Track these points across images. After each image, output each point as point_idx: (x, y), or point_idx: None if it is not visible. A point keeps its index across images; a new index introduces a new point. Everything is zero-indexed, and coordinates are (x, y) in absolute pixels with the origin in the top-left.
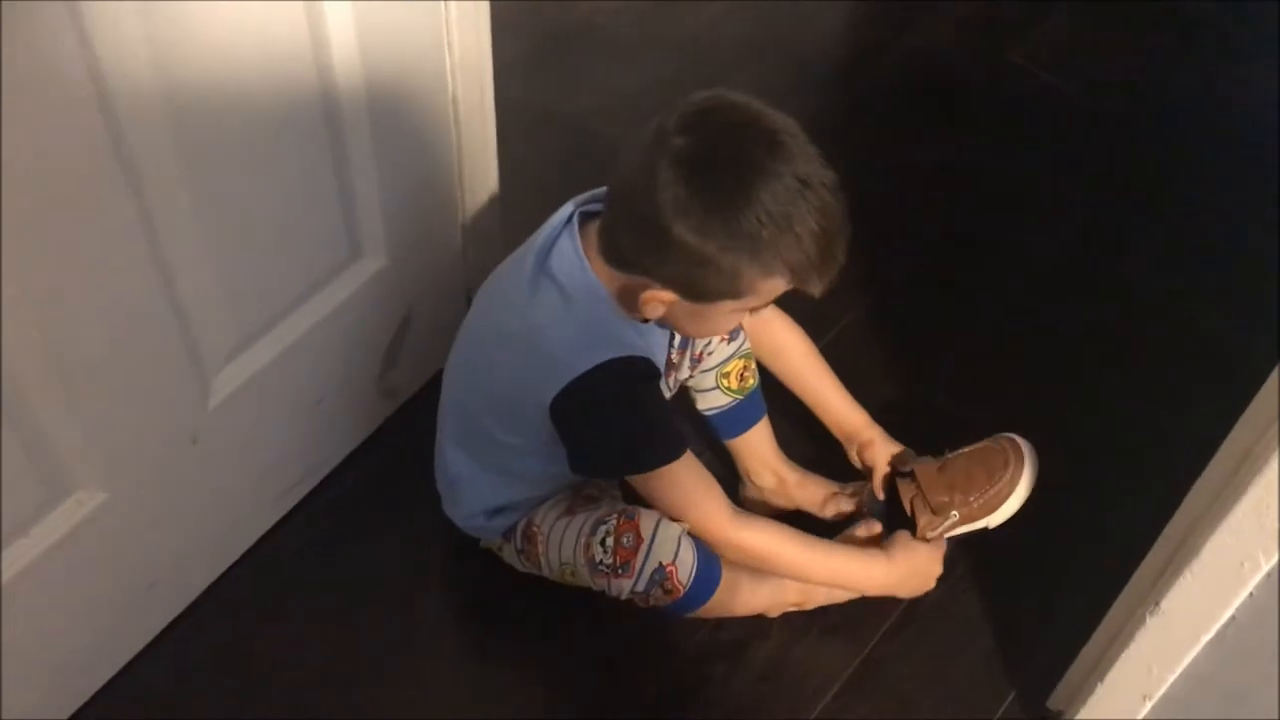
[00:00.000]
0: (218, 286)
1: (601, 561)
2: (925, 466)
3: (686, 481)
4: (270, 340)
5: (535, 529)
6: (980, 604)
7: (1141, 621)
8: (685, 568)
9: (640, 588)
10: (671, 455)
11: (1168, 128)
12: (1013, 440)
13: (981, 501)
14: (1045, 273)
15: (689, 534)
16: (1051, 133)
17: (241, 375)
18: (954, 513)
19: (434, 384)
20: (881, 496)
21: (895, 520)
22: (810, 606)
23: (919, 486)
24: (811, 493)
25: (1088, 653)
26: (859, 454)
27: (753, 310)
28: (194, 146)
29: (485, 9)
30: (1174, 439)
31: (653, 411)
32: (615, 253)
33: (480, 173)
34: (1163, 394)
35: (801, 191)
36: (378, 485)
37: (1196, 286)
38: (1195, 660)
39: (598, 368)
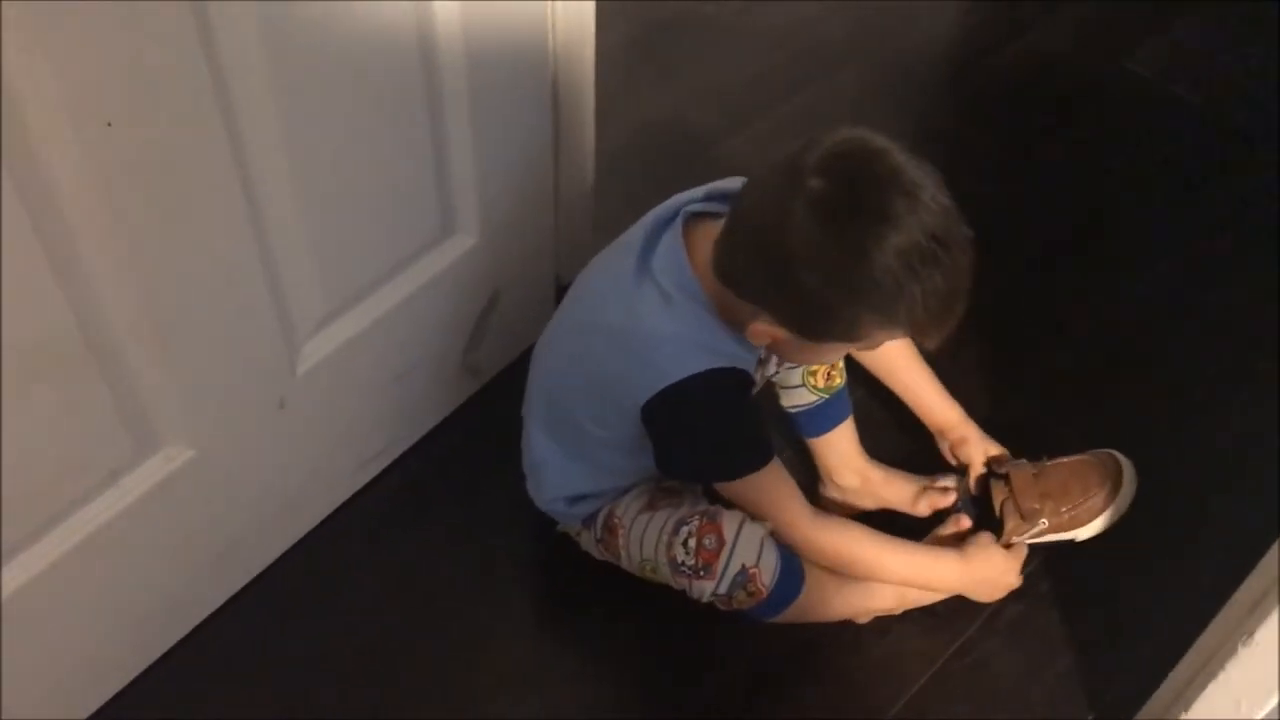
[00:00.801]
0: (311, 253)
1: (683, 563)
2: (1021, 471)
3: (771, 488)
4: (360, 311)
5: (616, 520)
6: (1062, 622)
7: (1233, 651)
8: (769, 570)
9: (723, 590)
10: (757, 464)
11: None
12: (1113, 456)
13: (1073, 514)
14: (1153, 291)
15: (772, 536)
16: (1169, 145)
17: (330, 344)
18: (1043, 520)
19: (518, 364)
20: (974, 493)
21: (984, 520)
22: (900, 611)
23: (1012, 490)
24: (899, 489)
25: (1173, 680)
26: (953, 450)
27: (862, 350)
28: (295, 107)
29: None
30: (1273, 465)
31: (743, 422)
32: (732, 278)
33: (577, 157)
34: (1262, 421)
35: (934, 251)
36: (457, 461)
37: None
38: None
39: (693, 377)
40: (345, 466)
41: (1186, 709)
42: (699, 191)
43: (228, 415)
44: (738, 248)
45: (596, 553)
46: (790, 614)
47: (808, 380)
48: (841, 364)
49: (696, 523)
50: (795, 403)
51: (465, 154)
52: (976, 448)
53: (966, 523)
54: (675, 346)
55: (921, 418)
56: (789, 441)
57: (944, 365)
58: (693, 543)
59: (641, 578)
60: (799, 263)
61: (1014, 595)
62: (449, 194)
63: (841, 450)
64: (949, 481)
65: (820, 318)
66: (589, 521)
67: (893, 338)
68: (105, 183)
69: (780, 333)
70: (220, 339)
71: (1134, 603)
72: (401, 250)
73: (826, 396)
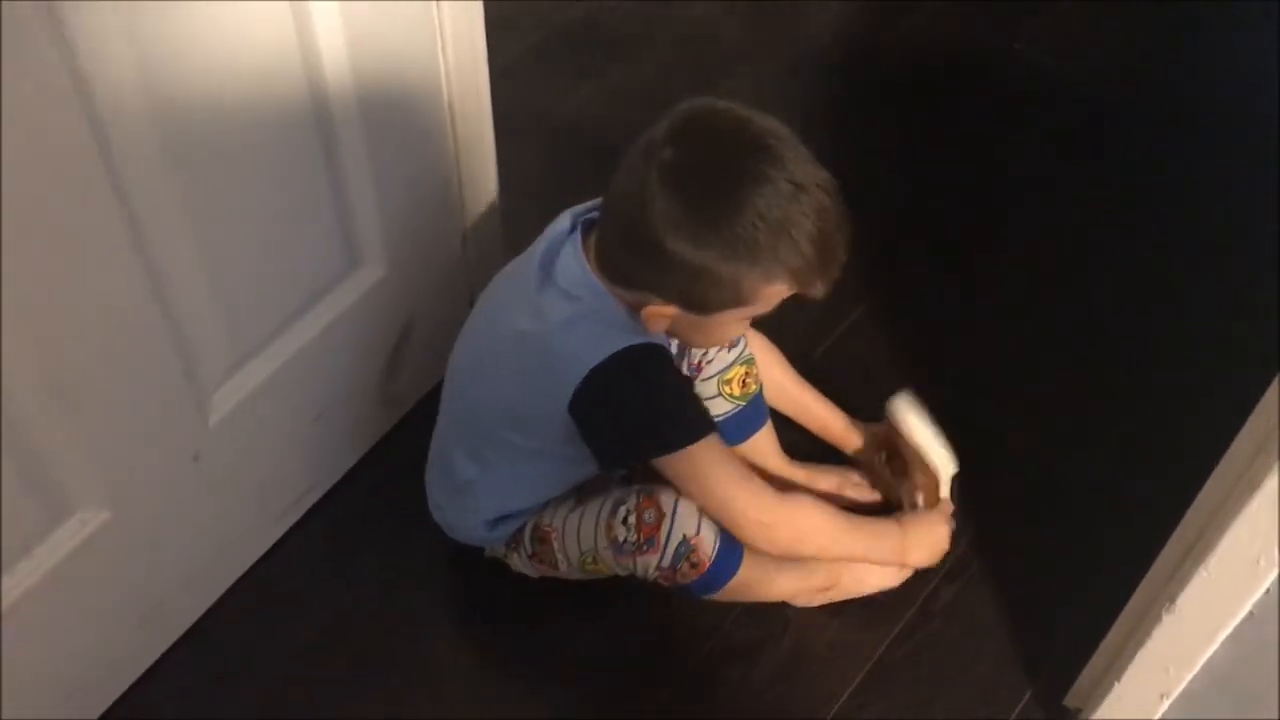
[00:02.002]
0: (213, 301)
1: (625, 540)
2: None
3: (723, 463)
4: (269, 355)
5: (547, 528)
6: (994, 602)
7: (1158, 619)
8: (709, 541)
9: (666, 563)
10: (697, 434)
11: (1173, 112)
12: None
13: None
14: (1053, 265)
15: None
16: (1057, 122)
17: (241, 391)
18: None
19: (436, 392)
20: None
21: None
22: (839, 596)
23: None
24: (824, 483)
25: (1104, 650)
26: (854, 458)
27: (757, 316)
28: (182, 157)
29: (479, 9)
30: (1188, 434)
31: (673, 392)
32: (614, 270)
33: (479, 176)
34: (1175, 388)
35: (795, 194)
36: (384, 495)
37: (1207, 277)
38: (1213, 658)
39: (614, 355)
40: (268, 513)
41: (1119, 677)
42: (592, 203)
43: (141, 474)
44: (613, 238)
45: (531, 571)
46: (731, 589)
47: (723, 389)
48: (756, 371)
49: (635, 499)
50: (713, 413)
51: (364, 185)
52: (869, 448)
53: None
54: (588, 334)
55: (814, 431)
56: None
57: (853, 356)
58: (633, 519)
59: (582, 577)
60: (667, 234)
61: (947, 578)
62: (351, 228)
63: (763, 456)
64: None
65: (702, 285)
66: (515, 541)
67: (781, 294)
68: None
69: (671, 310)
70: (126, 397)
71: (1063, 576)
72: (307, 290)
73: (743, 405)
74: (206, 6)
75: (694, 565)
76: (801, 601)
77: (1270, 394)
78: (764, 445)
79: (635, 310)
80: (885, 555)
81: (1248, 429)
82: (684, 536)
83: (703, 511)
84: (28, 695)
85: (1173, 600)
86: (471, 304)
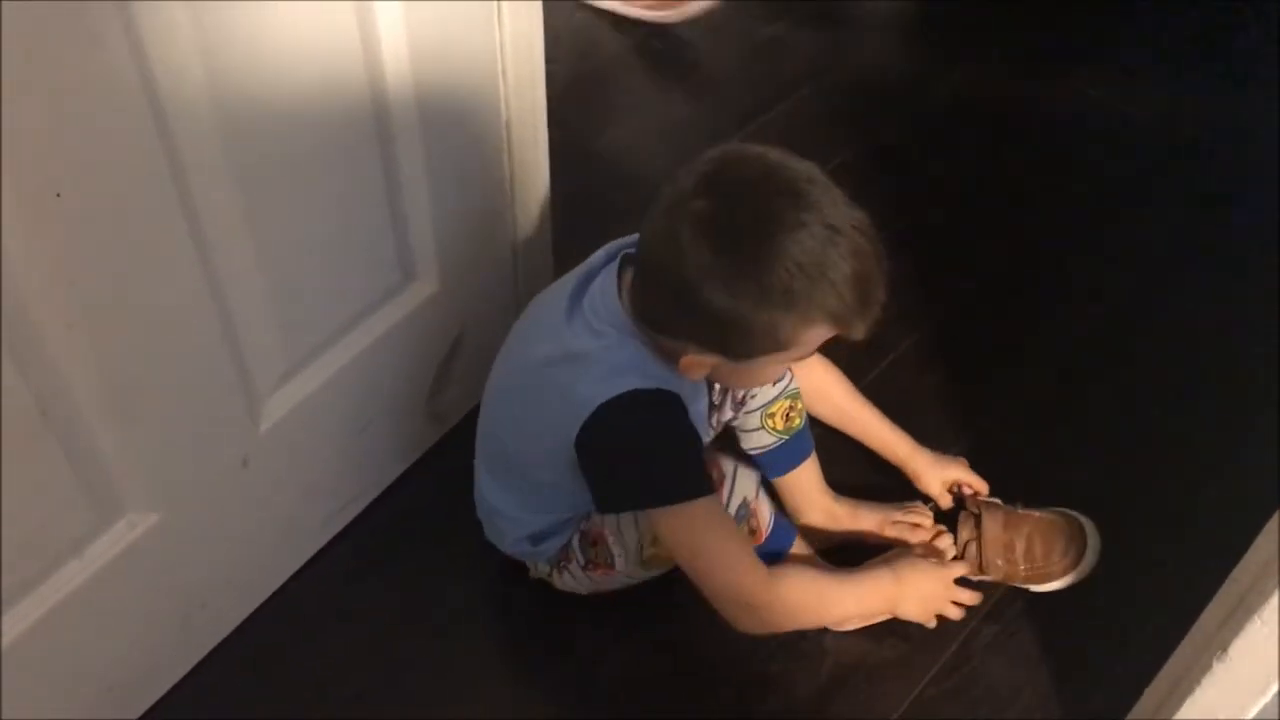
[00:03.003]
0: (270, 311)
1: None
2: (992, 516)
3: (717, 527)
4: (321, 365)
5: (598, 529)
6: (1036, 644)
7: (1208, 668)
8: (766, 509)
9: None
10: (696, 491)
11: (1236, 155)
12: (1079, 523)
13: (1030, 573)
14: (1106, 306)
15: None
16: (1116, 162)
17: (292, 400)
18: (1000, 574)
19: None
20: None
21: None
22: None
23: (979, 535)
24: (867, 522)
25: (1150, 697)
26: (915, 484)
27: (797, 359)
28: (245, 162)
29: (539, 34)
30: (1245, 478)
31: (677, 443)
32: (652, 318)
33: (532, 196)
34: (1230, 430)
35: (830, 238)
36: (426, 508)
37: (1263, 323)
38: (1264, 709)
39: (620, 396)
40: (312, 521)
41: None
42: (632, 238)
43: (191, 478)
44: (647, 287)
45: (582, 585)
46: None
47: (766, 423)
48: (800, 404)
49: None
50: (755, 445)
51: (421, 203)
52: (932, 479)
53: (946, 540)
54: (606, 370)
55: (877, 453)
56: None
57: (906, 390)
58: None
59: (639, 574)
60: (703, 286)
61: (989, 617)
62: (407, 243)
63: (805, 489)
64: (919, 517)
65: (740, 334)
66: (563, 557)
67: (822, 337)
68: (56, 253)
69: (710, 360)
70: (180, 402)
71: (1108, 619)
72: (361, 302)
73: (786, 438)
74: (275, 10)
75: (752, 530)
76: (846, 626)
77: None
78: (807, 479)
79: (672, 356)
80: (877, 608)
81: None
82: (744, 499)
83: (759, 481)
84: (70, 694)
85: (1224, 649)
86: None
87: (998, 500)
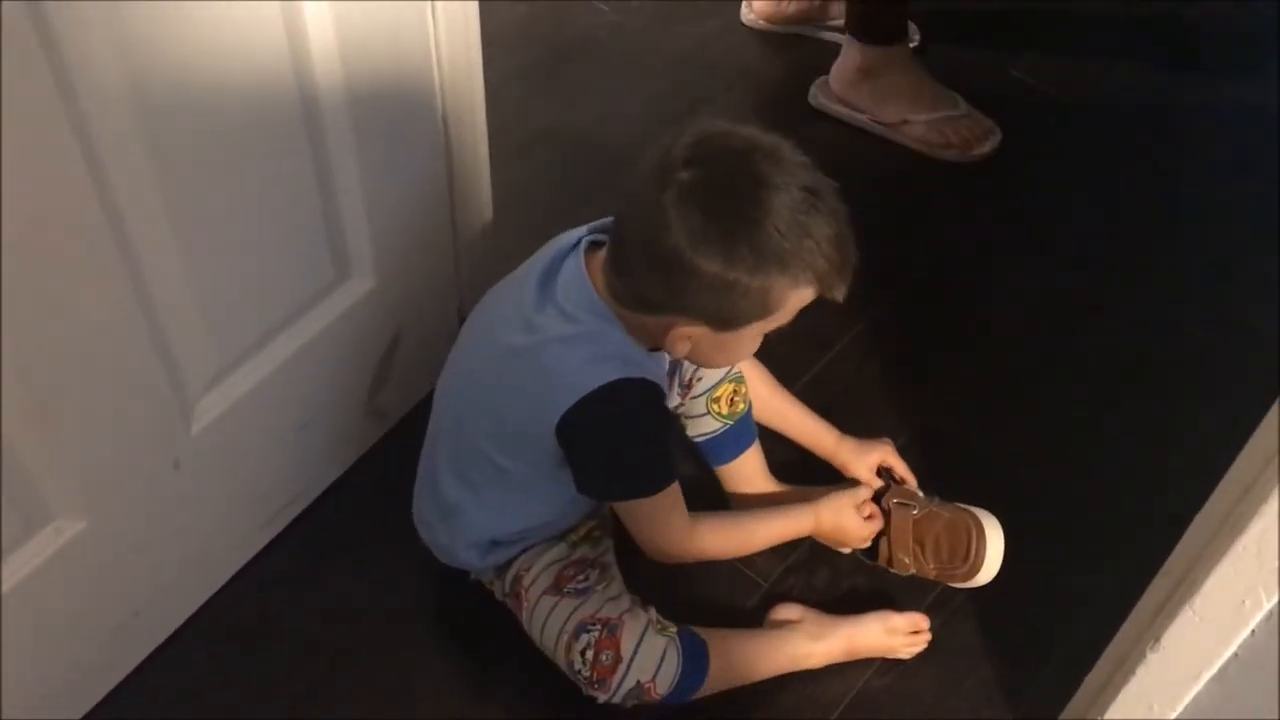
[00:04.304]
0: (199, 309)
1: (579, 670)
2: (902, 515)
3: (667, 510)
4: (255, 363)
5: (522, 589)
6: (979, 635)
7: (1142, 657)
8: (666, 680)
9: (616, 700)
10: (663, 484)
11: (1171, 143)
12: (982, 528)
13: (940, 573)
14: (1047, 295)
15: (675, 644)
16: (1053, 149)
17: (225, 400)
18: (909, 570)
19: (424, 405)
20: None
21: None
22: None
23: (888, 532)
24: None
25: (1088, 686)
26: (843, 473)
27: (778, 327)
28: (168, 161)
29: (475, 22)
30: (1178, 470)
31: (657, 437)
32: (636, 297)
33: (473, 190)
34: (1166, 423)
35: (812, 201)
36: (366, 509)
37: (1200, 312)
38: (1197, 698)
39: (607, 386)
40: (249, 523)
41: (1102, 714)
42: (595, 224)
43: (120, 482)
44: (632, 265)
45: (508, 604)
46: (710, 690)
47: (711, 408)
48: (745, 389)
49: (597, 633)
50: (700, 431)
51: (356, 200)
52: (859, 465)
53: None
54: (586, 357)
55: (801, 445)
56: (700, 468)
57: (848, 383)
58: (590, 655)
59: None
60: (695, 254)
61: (932, 608)
62: (342, 240)
63: (750, 476)
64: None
65: (732, 300)
66: (501, 571)
67: (804, 301)
68: None
69: (698, 331)
70: (107, 405)
71: (1048, 613)
72: (295, 299)
73: (730, 424)
74: (195, 7)
75: (643, 701)
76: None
77: (1258, 435)
78: (751, 465)
79: (655, 334)
80: (802, 531)
81: (1235, 469)
82: (638, 682)
83: (666, 649)
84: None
85: (1158, 639)
86: (460, 318)
87: (917, 494)
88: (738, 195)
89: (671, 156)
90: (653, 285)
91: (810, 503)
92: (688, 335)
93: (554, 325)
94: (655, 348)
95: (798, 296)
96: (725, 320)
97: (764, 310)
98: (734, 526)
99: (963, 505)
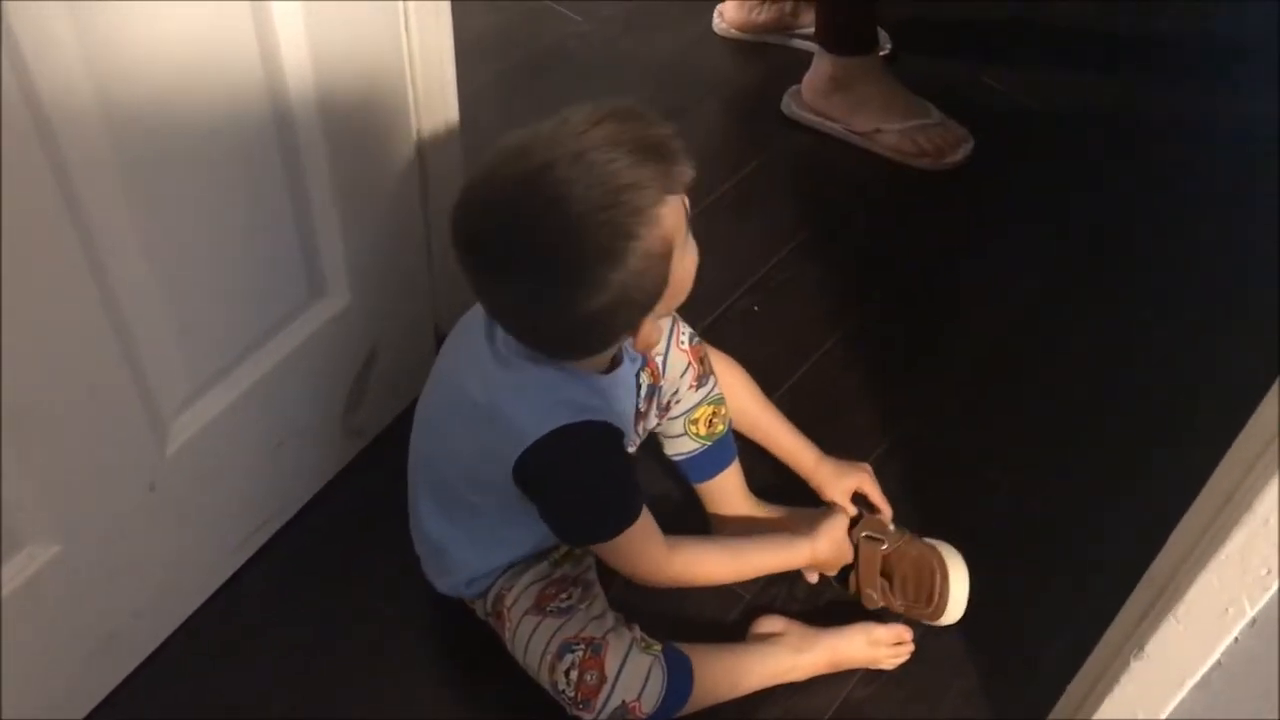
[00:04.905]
0: (172, 330)
1: (563, 691)
2: (870, 549)
3: (638, 542)
4: (230, 383)
5: (505, 609)
6: (963, 643)
7: (1126, 665)
8: (651, 699)
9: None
10: (624, 524)
11: (1144, 152)
12: (947, 570)
13: (906, 608)
14: (1023, 302)
15: (660, 662)
16: (1027, 157)
17: (200, 420)
18: (877, 604)
19: (401, 421)
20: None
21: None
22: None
23: (856, 564)
24: (790, 528)
25: (1071, 695)
26: (819, 494)
27: (686, 236)
28: (137, 174)
29: (448, 36)
30: (1160, 477)
31: (612, 478)
32: (579, 355)
33: (448, 205)
34: (1149, 430)
35: (587, 164)
36: (344, 527)
37: (1180, 318)
38: (1181, 705)
39: (554, 432)
40: (225, 544)
41: None
42: None
43: (94, 506)
44: (548, 347)
45: (490, 623)
46: (695, 706)
47: (689, 429)
48: (724, 410)
49: (581, 653)
50: (678, 451)
51: (329, 217)
52: (835, 490)
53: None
54: (530, 402)
55: (781, 460)
56: (678, 485)
57: (827, 392)
58: (574, 675)
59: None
60: (585, 308)
61: (911, 622)
62: (315, 257)
63: (728, 495)
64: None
65: (640, 286)
66: (483, 593)
67: (679, 206)
68: None
69: (649, 321)
70: (79, 427)
71: (1034, 618)
72: (269, 317)
73: (709, 444)
74: (165, 15)
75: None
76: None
77: (1238, 445)
78: (729, 485)
79: (603, 357)
80: (797, 564)
81: (1217, 476)
82: (623, 701)
83: (651, 668)
84: None
85: (1142, 646)
86: (438, 335)
87: (888, 527)
88: (544, 249)
89: (462, 261)
90: (572, 344)
91: (806, 535)
92: (648, 329)
93: (499, 372)
94: (615, 364)
95: (667, 221)
96: (653, 297)
97: (664, 257)
98: (724, 554)
99: (932, 541)
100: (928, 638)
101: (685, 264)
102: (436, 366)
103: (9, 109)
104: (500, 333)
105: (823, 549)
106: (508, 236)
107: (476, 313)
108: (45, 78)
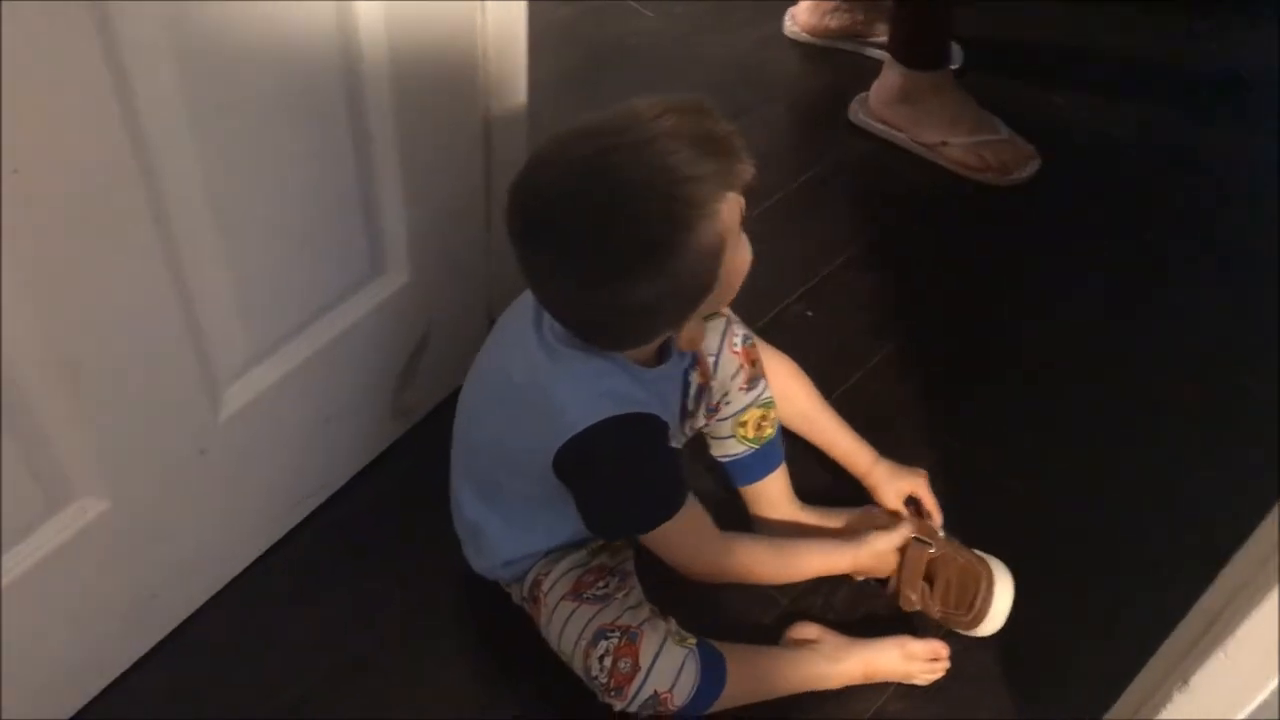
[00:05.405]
0: (234, 298)
1: (596, 677)
2: (916, 554)
3: (683, 533)
4: (285, 354)
5: (541, 594)
6: (999, 663)
7: (1169, 696)
8: (683, 692)
9: (632, 709)
10: (671, 512)
11: (1211, 184)
12: (993, 580)
13: (945, 615)
14: (1082, 324)
15: (694, 655)
16: (1093, 179)
17: (254, 389)
18: (916, 609)
19: (449, 403)
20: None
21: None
22: (833, 686)
23: (901, 566)
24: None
25: None
26: (872, 496)
27: (738, 239)
28: (213, 148)
29: (522, 25)
30: (1210, 501)
31: (655, 470)
32: (622, 347)
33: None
34: (1204, 455)
35: (652, 154)
36: (386, 505)
37: (1236, 345)
38: None
39: (598, 425)
40: (270, 512)
41: None
42: None
43: (145, 465)
44: (592, 334)
45: (526, 609)
46: (725, 704)
47: (737, 432)
48: (773, 415)
49: (616, 640)
50: (725, 453)
51: (394, 193)
52: (889, 492)
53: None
54: (574, 398)
55: (838, 463)
56: (723, 486)
57: (877, 402)
58: (608, 661)
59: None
60: (633, 300)
61: (951, 635)
62: (378, 233)
63: (773, 499)
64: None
65: (691, 283)
66: (520, 577)
67: (736, 207)
68: (9, 230)
69: (694, 321)
70: (136, 388)
71: (1073, 642)
72: (329, 292)
73: (756, 447)
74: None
75: (660, 714)
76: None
77: None
78: (775, 490)
79: (644, 352)
80: (841, 568)
81: (1278, 511)
82: (655, 692)
83: (685, 660)
84: (17, 679)
85: (1186, 679)
86: (489, 320)
87: (937, 533)
88: (599, 235)
89: (516, 238)
90: (622, 333)
91: (851, 542)
92: (691, 331)
93: (546, 360)
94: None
95: (724, 219)
96: (697, 295)
97: (715, 257)
98: (769, 552)
99: (981, 554)
100: (963, 655)
101: (736, 263)
102: (481, 352)
103: (92, 68)
104: (548, 320)
105: (864, 558)
106: (563, 217)
107: (524, 300)
108: (128, 38)
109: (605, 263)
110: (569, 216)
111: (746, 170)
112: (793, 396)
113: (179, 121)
